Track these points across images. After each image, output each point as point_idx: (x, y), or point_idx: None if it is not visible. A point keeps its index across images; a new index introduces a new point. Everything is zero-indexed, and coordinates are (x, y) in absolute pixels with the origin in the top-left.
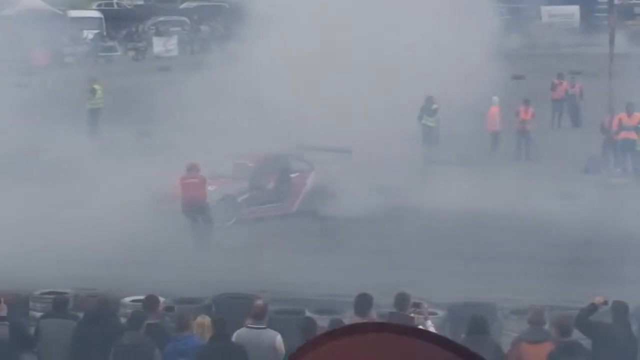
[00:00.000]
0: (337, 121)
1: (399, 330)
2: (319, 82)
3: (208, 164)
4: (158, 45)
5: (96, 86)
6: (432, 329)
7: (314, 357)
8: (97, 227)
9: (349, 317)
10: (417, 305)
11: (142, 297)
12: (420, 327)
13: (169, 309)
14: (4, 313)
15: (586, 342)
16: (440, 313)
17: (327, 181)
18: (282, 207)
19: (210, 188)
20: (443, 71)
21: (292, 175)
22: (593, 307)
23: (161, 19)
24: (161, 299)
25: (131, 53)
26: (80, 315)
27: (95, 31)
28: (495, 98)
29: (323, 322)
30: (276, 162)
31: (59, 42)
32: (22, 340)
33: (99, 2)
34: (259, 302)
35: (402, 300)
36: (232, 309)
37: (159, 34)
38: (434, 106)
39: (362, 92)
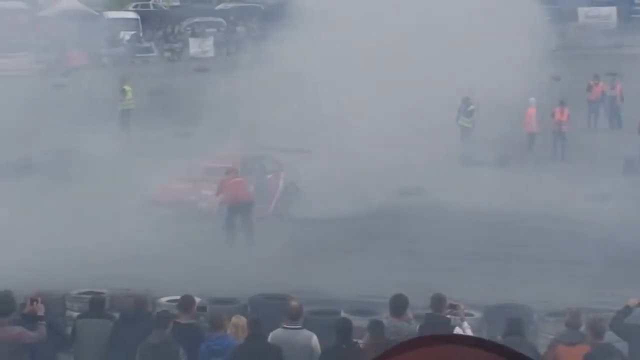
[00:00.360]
0: (373, 120)
1: (465, 342)
2: (357, 82)
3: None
4: (194, 46)
5: (126, 87)
6: (468, 331)
7: None
8: (131, 227)
9: (385, 318)
10: (453, 307)
11: (177, 298)
12: (457, 328)
13: (201, 309)
14: (41, 313)
15: (621, 345)
16: (477, 314)
17: (296, 180)
18: (261, 210)
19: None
20: (483, 71)
21: (267, 177)
22: (628, 310)
23: (197, 20)
24: (196, 299)
25: (167, 54)
26: (117, 315)
27: (132, 32)
28: (532, 99)
29: (358, 323)
30: (252, 163)
31: (96, 43)
32: (59, 340)
33: (136, 3)
34: (294, 302)
35: (438, 301)
36: (267, 309)
37: (194, 35)
38: (471, 107)
39: (397, 91)
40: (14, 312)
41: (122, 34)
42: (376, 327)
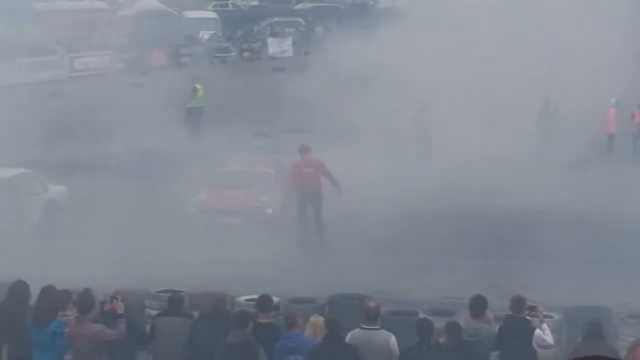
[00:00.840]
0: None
1: None
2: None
3: None
4: (273, 46)
5: (198, 86)
6: (547, 332)
7: None
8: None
9: (464, 319)
10: (532, 309)
11: (255, 297)
12: (537, 330)
13: (275, 308)
14: (120, 311)
15: None
16: (556, 316)
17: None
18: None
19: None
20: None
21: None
22: None
23: (276, 19)
24: (275, 299)
25: (246, 54)
26: (195, 313)
27: (211, 32)
28: (613, 100)
29: (437, 324)
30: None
31: (176, 42)
32: (138, 338)
33: (215, 3)
34: (372, 302)
35: (518, 303)
36: (345, 309)
37: (273, 34)
38: (552, 107)
39: (483, 90)
40: (94, 309)
41: (201, 33)
42: (453, 328)
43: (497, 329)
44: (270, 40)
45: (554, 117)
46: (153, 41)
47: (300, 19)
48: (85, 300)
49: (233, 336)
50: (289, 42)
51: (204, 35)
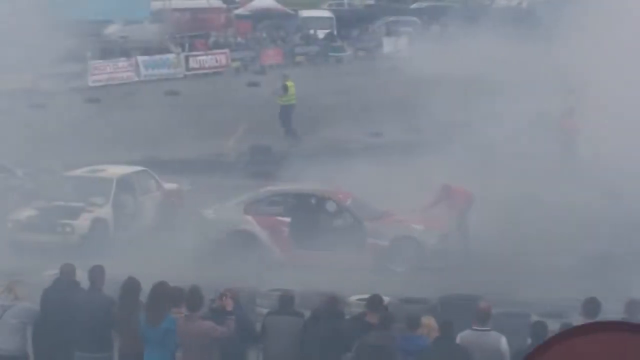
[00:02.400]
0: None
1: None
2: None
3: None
4: (388, 46)
5: (289, 83)
6: None
7: (559, 350)
8: None
9: (578, 322)
10: None
11: (366, 296)
12: None
13: (385, 309)
14: (229, 308)
15: None
16: None
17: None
18: None
19: None
20: None
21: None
22: None
23: (392, 19)
24: (385, 299)
25: (361, 53)
26: (306, 312)
27: (326, 31)
28: None
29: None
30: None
31: (291, 41)
32: (248, 336)
33: (330, 2)
34: (484, 304)
35: (633, 307)
36: (456, 310)
37: (389, 34)
38: None
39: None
40: (203, 306)
41: (316, 32)
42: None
43: None
44: (385, 39)
45: None
46: (269, 40)
47: (416, 19)
48: (194, 298)
49: (375, 337)
50: (404, 41)
51: (319, 34)
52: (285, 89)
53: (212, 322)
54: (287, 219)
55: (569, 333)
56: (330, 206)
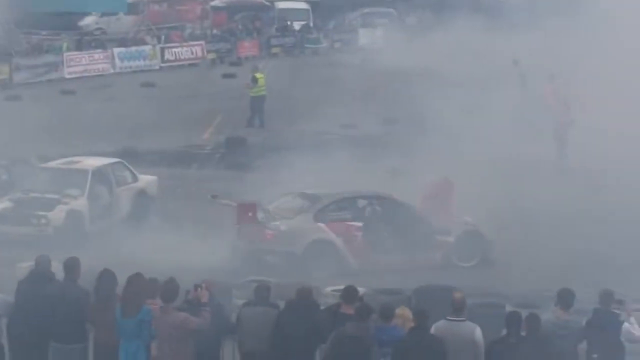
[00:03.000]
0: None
1: None
2: None
3: None
4: (364, 37)
5: (258, 74)
6: (635, 327)
7: None
8: None
9: (552, 311)
10: (620, 302)
11: (341, 288)
12: (625, 324)
13: (361, 300)
14: (205, 300)
15: None
16: None
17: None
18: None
19: None
20: None
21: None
22: None
23: (367, 10)
24: (360, 290)
25: (337, 44)
26: (281, 303)
27: (302, 22)
28: None
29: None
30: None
31: (267, 33)
32: (224, 327)
33: None
34: (458, 294)
35: (606, 296)
36: (431, 300)
37: (365, 25)
38: None
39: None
40: (178, 298)
41: (292, 24)
42: (532, 320)
43: (584, 322)
44: (361, 31)
45: None
46: (244, 32)
47: (392, 10)
48: (169, 289)
49: (352, 328)
50: (380, 33)
51: (295, 25)
52: (255, 80)
53: (187, 314)
54: (358, 224)
55: None
56: (394, 207)
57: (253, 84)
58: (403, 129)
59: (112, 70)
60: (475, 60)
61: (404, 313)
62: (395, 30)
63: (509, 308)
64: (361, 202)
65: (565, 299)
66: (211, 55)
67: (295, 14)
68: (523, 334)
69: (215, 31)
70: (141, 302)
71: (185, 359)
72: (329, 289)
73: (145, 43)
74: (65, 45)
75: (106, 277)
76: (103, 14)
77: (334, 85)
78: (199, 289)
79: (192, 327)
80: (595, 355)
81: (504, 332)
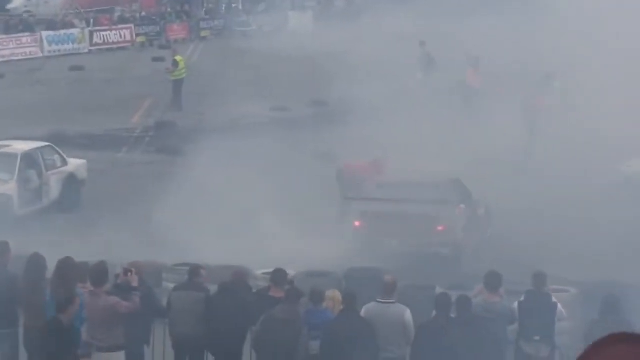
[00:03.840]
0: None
1: None
2: None
3: None
4: (293, 20)
5: (178, 57)
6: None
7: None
8: None
9: (478, 292)
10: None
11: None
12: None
13: (291, 283)
14: (135, 284)
15: None
16: (573, 291)
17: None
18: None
19: None
20: None
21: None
22: None
23: None
24: (290, 273)
25: (266, 28)
26: (213, 287)
27: (232, 5)
28: None
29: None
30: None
31: (196, 16)
32: (154, 311)
33: None
34: (389, 277)
35: (538, 278)
36: (362, 283)
37: (294, 8)
38: None
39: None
40: (108, 282)
41: (222, 7)
42: (463, 302)
43: (516, 304)
44: (290, 14)
45: None
46: (174, 15)
47: None
48: (99, 273)
49: (281, 311)
50: (309, 16)
51: (225, 8)
52: (176, 63)
53: (117, 298)
54: None
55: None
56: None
57: (174, 68)
58: (332, 112)
59: (40, 54)
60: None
61: (334, 295)
62: (324, 13)
63: (439, 290)
64: None
65: (491, 281)
66: (140, 39)
67: None
68: (453, 316)
69: (144, 14)
70: (71, 286)
71: (116, 343)
72: (260, 272)
73: (74, 26)
74: None
75: (35, 261)
76: None
77: (263, 68)
78: (129, 273)
79: (123, 311)
80: (537, 337)
81: (434, 314)
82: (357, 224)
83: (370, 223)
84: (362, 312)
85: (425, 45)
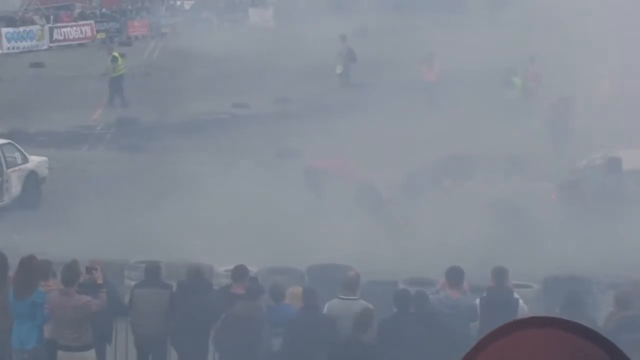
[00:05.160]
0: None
1: (565, 327)
2: None
3: None
4: (254, 16)
5: (115, 54)
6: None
7: (496, 348)
8: None
9: (442, 289)
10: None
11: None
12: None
13: (252, 279)
14: (101, 281)
15: None
16: (536, 286)
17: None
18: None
19: None
20: None
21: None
22: None
23: None
24: (252, 269)
25: (227, 24)
26: (174, 284)
27: (192, 2)
28: None
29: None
30: None
31: (157, 12)
32: (117, 309)
33: None
34: (352, 272)
35: (499, 273)
36: (324, 279)
37: (255, 4)
38: None
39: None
40: (79, 281)
41: (183, 3)
42: (420, 298)
43: (478, 300)
44: (251, 10)
45: None
46: (134, 11)
47: None
48: (71, 272)
49: (242, 307)
50: (270, 12)
51: (185, 5)
52: (115, 60)
53: (89, 296)
54: None
55: (506, 330)
56: None
57: (114, 65)
58: (295, 109)
59: (0, 51)
60: (369, 39)
61: (296, 292)
62: (286, 9)
63: (400, 286)
64: None
65: (453, 277)
66: (101, 35)
67: None
68: (412, 311)
69: (104, 10)
70: (34, 284)
71: (86, 342)
72: (222, 268)
73: (33, 23)
74: None
75: None
76: None
77: (224, 64)
78: (94, 270)
79: (94, 310)
80: None
81: (395, 309)
82: None
83: None
84: (325, 309)
85: (346, 39)
